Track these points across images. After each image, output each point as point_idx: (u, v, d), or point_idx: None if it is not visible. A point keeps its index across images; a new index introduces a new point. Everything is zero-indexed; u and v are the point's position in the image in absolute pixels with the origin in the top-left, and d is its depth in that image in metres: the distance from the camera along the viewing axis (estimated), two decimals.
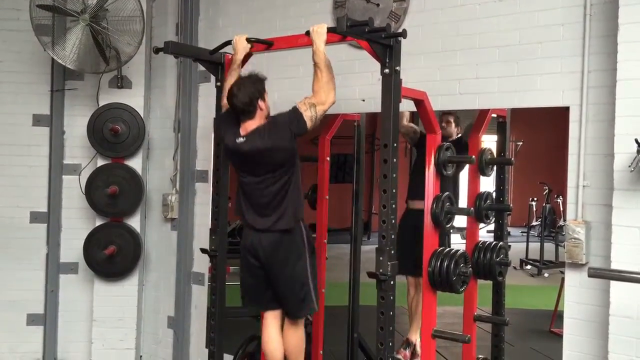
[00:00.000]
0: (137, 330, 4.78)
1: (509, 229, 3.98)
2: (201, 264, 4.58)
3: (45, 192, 4.76)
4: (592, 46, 3.07)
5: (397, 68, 2.77)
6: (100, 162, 4.64)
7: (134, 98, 4.68)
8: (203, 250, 3.83)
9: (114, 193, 4.52)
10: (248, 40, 3.31)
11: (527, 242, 8.93)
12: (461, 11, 3.51)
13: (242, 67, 3.39)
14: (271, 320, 3.31)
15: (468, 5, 3.48)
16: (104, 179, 4.57)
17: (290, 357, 3.30)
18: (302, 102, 3.04)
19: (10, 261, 4.72)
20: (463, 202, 3.74)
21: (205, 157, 4.57)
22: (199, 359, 4.52)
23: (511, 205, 3.97)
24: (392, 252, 2.74)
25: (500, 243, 3.54)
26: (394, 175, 2.74)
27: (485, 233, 4.27)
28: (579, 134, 3.10)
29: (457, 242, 4.48)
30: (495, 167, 3.75)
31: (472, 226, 3.63)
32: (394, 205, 2.74)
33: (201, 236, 4.53)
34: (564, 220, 3.22)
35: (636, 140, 2.68)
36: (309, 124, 3.02)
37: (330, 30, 2.97)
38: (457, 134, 4.08)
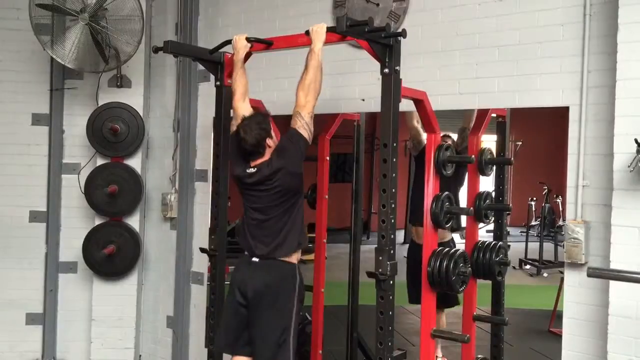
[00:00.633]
0: (136, 330, 4.78)
1: (509, 228, 3.99)
2: (200, 263, 4.58)
3: (45, 191, 4.76)
4: (591, 46, 3.07)
5: (397, 68, 2.76)
6: (100, 162, 4.64)
7: (133, 97, 4.67)
8: (202, 250, 3.83)
9: (113, 192, 4.52)
10: (248, 39, 3.31)
11: (527, 241, 8.98)
12: (461, 11, 3.51)
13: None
14: None
15: (468, 5, 3.48)
16: (103, 178, 4.57)
17: None
18: (292, 118, 3.05)
19: (9, 260, 4.71)
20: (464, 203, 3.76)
21: (204, 157, 4.57)
22: (198, 359, 4.51)
23: (510, 205, 3.98)
24: (392, 251, 2.74)
25: (500, 243, 3.55)
26: (394, 174, 2.74)
27: (484, 233, 4.28)
28: (579, 134, 3.10)
29: (457, 242, 4.49)
30: (494, 167, 3.75)
31: (472, 226, 3.63)
32: (393, 205, 2.74)
33: (200, 235, 4.53)
34: (564, 220, 3.23)
35: (636, 140, 2.68)
36: (304, 133, 3.01)
37: (330, 29, 2.97)
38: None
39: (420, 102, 3.05)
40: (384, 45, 2.74)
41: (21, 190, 4.74)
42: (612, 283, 2.83)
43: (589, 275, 2.68)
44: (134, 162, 4.68)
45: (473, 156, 3.47)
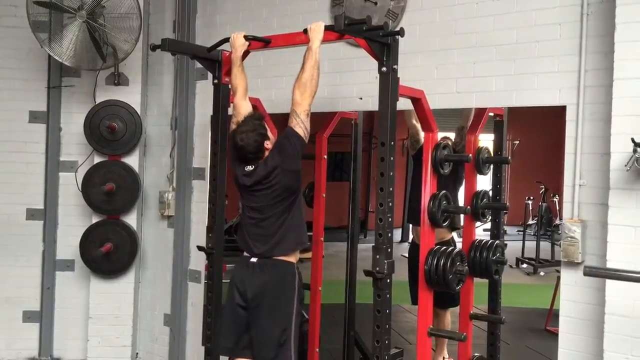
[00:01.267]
0: (134, 328, 4.78)
1: (505, 227, 4.00)
2: (198, 261, 4.57)
3: (42, 189, 4.76)
4: (589, 45, 3.08)
5: (395, 66, 2.76)
6: (97, 159, 4.64)
7: (130, 95, 4.67)
8: (200, 248, 3.82)
9: (110, 190, 4.51)
10: (246, 37, 3.31)
11: (523, 240, 9.00)
12: (458, 10, 3.51)
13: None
14: None
15: (465, 4, 3.48)
16: (100, 176, 4.56)
17: None
18: (289, 117, 3.05)
19: (6, 258, 4.71)
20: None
21: (202, 155, 4.57)
22: (195, 357, 4.52)
23: (507, 203, 3.98)
24: (389, 250, 2.74)
25: (497, 241, 3.55)
26: (391, 173, 2.75)
27: (481, 231, 4.29)
28: (576, 133, 3.11)
29: (456, 241, 4.49)
30: (491, 166, 3.76)
31: (469, 224, 3.63)
32: (390, 204, 2.75)
33: (198, 234, 4.53)
34: (560, 219, 3.24)
35: (632, 140, 2.69)
36: (299, 131, 3.00)
37: (328, 28, 2.97)
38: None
39: (417, 101, 3.05)
40: (382, 43, 2.74)
41: (18, 188, 4.74)
42: (609, 282, 2.84)
43: (585, 274, 2.69)
44: (132, 160, 4.68)
45: (470, 155, 3.47)
